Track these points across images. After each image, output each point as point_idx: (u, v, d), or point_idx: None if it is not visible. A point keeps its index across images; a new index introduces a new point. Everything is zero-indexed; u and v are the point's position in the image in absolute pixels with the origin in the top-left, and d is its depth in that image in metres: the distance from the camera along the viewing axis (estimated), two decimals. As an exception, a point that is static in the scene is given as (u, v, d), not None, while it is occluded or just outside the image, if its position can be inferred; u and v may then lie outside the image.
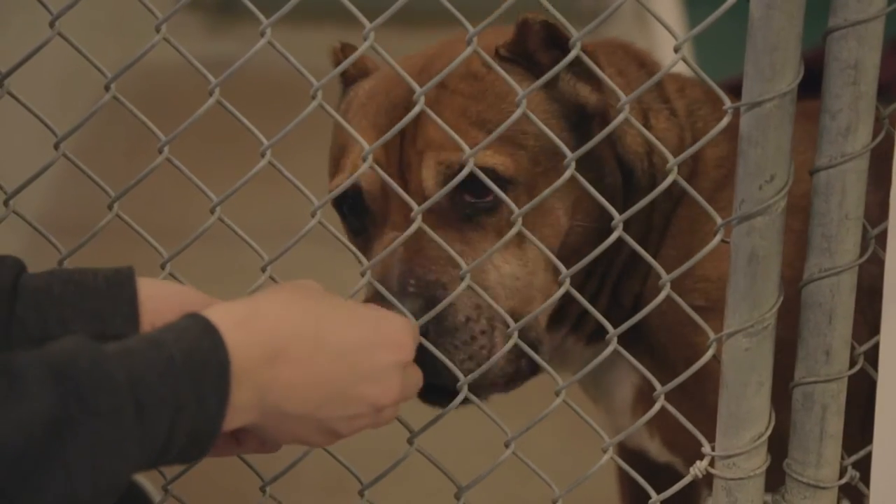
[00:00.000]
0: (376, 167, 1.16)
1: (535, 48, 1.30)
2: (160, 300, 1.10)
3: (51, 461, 0.88)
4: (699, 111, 1.43)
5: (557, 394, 1.22)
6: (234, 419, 1.00)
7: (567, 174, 1.14)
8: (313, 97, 1.13)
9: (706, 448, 1.21)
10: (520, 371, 1.31)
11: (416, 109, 1.13)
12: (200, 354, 0.97)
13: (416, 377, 1.15)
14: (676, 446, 1.44)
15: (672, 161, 1.14)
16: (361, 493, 1.25)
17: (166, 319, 1.02)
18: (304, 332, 1.04)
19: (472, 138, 1.25)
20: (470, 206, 1.29)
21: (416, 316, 1.20)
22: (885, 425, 1.19)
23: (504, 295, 1.29)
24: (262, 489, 1.24)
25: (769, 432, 1.19)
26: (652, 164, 1.38)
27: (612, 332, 1.20)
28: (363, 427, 1.10)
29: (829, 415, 1.19)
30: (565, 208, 1.31)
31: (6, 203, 1.17)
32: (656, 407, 1.22)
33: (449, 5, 1.11)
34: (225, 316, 1.00)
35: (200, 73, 1.11)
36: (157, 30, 1.11)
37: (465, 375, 1.22)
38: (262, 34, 1.10)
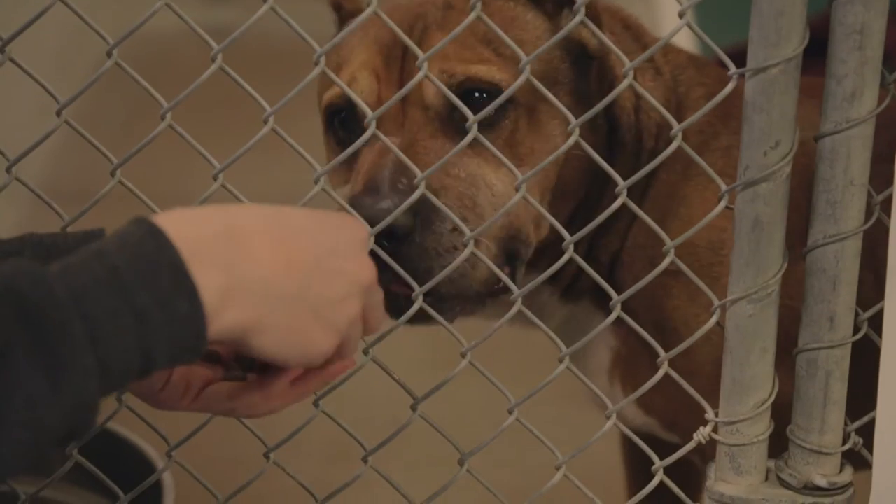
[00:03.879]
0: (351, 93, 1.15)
1: None
2: None
3: (6, 388, 0.85)
4: (681, 75, 1.46)
5: (561, 360, 1.22)
6: (222, 309, 0.95)
7: (571, 140, 1.15)
8: (316, 63, 1.12)
9: (709, 414, 1.21)
10: (495, 289, 1.30)
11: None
12: (146, 259, 0.93)
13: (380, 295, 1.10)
14: (652, 410, 1.43)
15: (676, 127, 1.14)
16: (365, 460, 1.25)
17: None
18: (260, 211, 1.01)
19: (479, 54, 1.28)
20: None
21: (401, 212, 1.17)
22: (888, 391, 1.18)
23: (493, 213, 1.27)
24: (266, 455, 1.24)
25: (772, 398, 1.19)
26: (639, 120, 1.41)
27: (616, 298, 1.20)
28: (355, 312, 1.04)
29: (832, 381, 1.19)
30: (564, 136, 1.30)
31: (8, 170, 1.17)
32: (660, 373, 1.21)
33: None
34: (171, 214, 0.97)
35: (202, 40, 1.10)
36: (159, -4, 1.10)
37: (443, 286, 1.22)
38: (265, 0, 1.09)
